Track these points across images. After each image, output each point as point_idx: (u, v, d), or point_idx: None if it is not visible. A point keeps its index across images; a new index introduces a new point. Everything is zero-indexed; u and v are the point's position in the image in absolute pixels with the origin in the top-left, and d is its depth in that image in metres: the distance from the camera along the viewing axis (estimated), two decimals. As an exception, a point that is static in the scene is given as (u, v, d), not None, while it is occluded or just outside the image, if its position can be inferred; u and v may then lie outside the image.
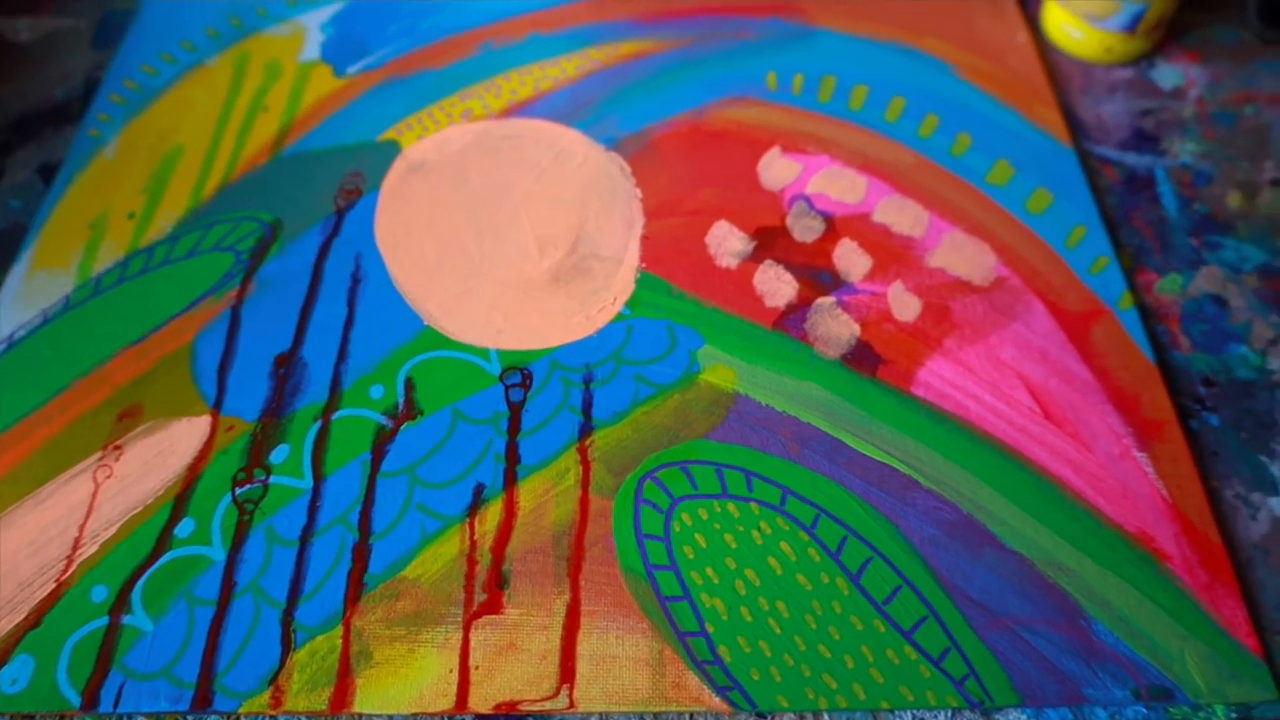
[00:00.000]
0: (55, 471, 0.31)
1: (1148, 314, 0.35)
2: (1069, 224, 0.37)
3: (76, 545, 0.29)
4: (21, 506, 0.30)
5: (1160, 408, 0.32)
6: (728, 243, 0.36)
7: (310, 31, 0.43)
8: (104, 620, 0.28)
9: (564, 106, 0.40)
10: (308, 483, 0.30)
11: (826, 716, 0.27)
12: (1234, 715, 0.27)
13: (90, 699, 0.27)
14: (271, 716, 0.27)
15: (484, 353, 0.33)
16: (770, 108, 0.41)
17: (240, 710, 0.26)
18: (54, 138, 0.40)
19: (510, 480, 0.30)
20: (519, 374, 0.32)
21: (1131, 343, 0.34)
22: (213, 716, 0.27)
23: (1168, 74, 0.43)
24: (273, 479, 0.30)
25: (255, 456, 0.31)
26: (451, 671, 0.27)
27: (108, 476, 0.30)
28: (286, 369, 0.33)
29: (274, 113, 0.40)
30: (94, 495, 0.30)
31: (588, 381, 0.32)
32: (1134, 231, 0.38)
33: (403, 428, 0.31)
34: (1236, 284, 0.36)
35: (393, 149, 0.39)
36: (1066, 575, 0.29)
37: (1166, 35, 0.44)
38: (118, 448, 0.31)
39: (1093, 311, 0.34)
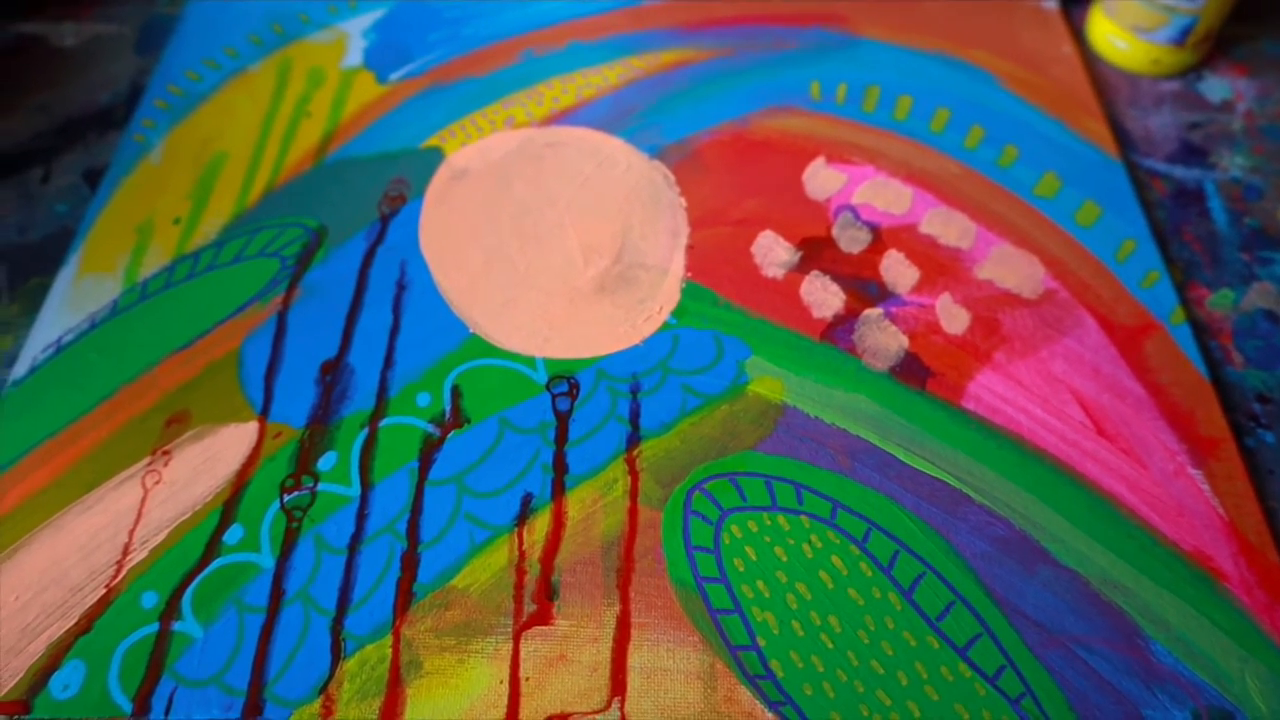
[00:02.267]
0: (104, 477, 0.31)
1: (1200, 329, 0.35)
2: (1118, 237, 0.36)
3: (126, 551, 0.29)
4: (70, 511, 0.30)
5: (1215, 424, 0.32)
6: (773, 253, 0.36)
7: (352, 38, 0.44)
8: (154, 626, 0.28)
9: (607, 115, 0.40)
10: (355, 490, 0.30)
11: (880, 734, 0.26)
12: (1295, 739, 0.27)
13: (141, 706, 0.27)
14: (321, 725, 0.26)
15: (530, 361, 0.33)
16: (814, 117, 0.40)
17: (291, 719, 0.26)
18: (99, 143, 0.41)
19: (558, 490, 0.30)
20: (566, 383, 0.32)
21: (1184, 358, 0.33)
22: (262, 724, 0.27)
23: (1216, 87, 0.43)
24: (321, 486, 0.30)
25: (303, 463, 0.31)
26: (502, 683, 0.27)
27: (156, 482, 0.30)
28: (333, 376, 0.33)
29: (317, 119, 0.40)
30: (143, 501, 0.30)
31: (635, 391, 0.32)
32: (1184, 246, 0.37)
33: (450, 436, 0.31)
34: (1289, 299, 0.36)
35: (436, 156, 0.39)
36: (1123, 594, 0.28)
37: (1214, 48, 0.44)
38: (166, 453, 0.31)
39: (1144, 326, 0.34)
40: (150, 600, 0.28)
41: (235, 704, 0.27)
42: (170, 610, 0.28)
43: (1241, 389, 0.33)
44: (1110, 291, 0.35)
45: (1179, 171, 0.40)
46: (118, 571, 0.29)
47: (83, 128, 0.41)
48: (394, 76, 0.42)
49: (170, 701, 0.27)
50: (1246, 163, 0.40)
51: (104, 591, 0.28)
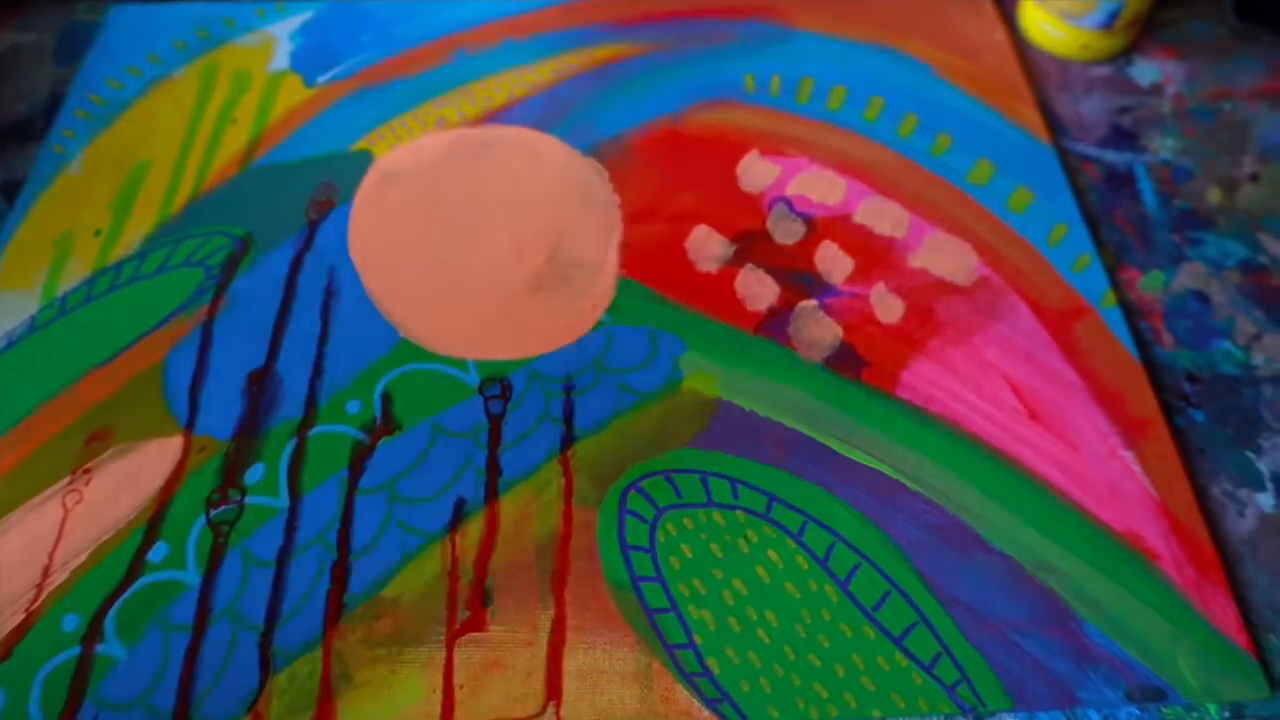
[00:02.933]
0: (22, 498, 0.30)
1: (1131, 311, 0.35)
2: (1050, 222, 0.37)
3: (46, 573, 0.28)
4: (-12, 533, 0.29)
5: (1145, 405, 0.32)
6: (708, 247, 0.36)
7: (279, 41, 0.43)
8: (76, 650, 0.27)
9: (540, 112, 0.40)
10: (284, 502, 0.30)
11: (818, 727, 0.26)
12: (1227, 714, 0.27)
13: (62, 731, 0.26)
14: (250, 744, 0.26)
15: (462, 364, 0.32)
16: (749, 110, 0.40)
17: (218, 738, 0.26)
18: (17, 155, 0.40)
19: (492, 494, 0.30)
20: (498, 385, 0.32)
21: (1115, 341, 0.33)
22: (190, 745, 0.26)
23: (1146, 70, 0.43)
24: (248, 499, 0.30)
25: (229, 477, 0.30)
26: (435, 691, 0.26)
27: (77, 502, 0.30)
28: (260, 386, 0.32)
29: (243, 124, 0.39)
30: (63, 521, 0.29)
31: (569, 391, 0.32)
32: (1115, 229, 0.38)
33: (380, 443, 0.31)
34: (1219, 280, 0.36)
35: (365, 159, 0.38)
36: (1056, 576, 0.28)
37: (1144, 31, 0.44)
38: (87, 472, 0.30)
39: (1076, 310, 0.34)
40: (71, 623, 0.27)
41: (161, 725, 0.26)
42: (92, 632, 0.27)
43: (1172, 369, 0.34)
44: (1042, 276, 0.35)
45: (1110, 155, 0.40)
46: (38, 595, 0.28)
47: (0, 140, 0.40)
48: (322, 79, 0.41)
49: (93, 726, 0.26)
50: (1176, 145, 0.41)
51: (23, 616, 0.28)
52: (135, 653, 0.27)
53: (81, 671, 0.27)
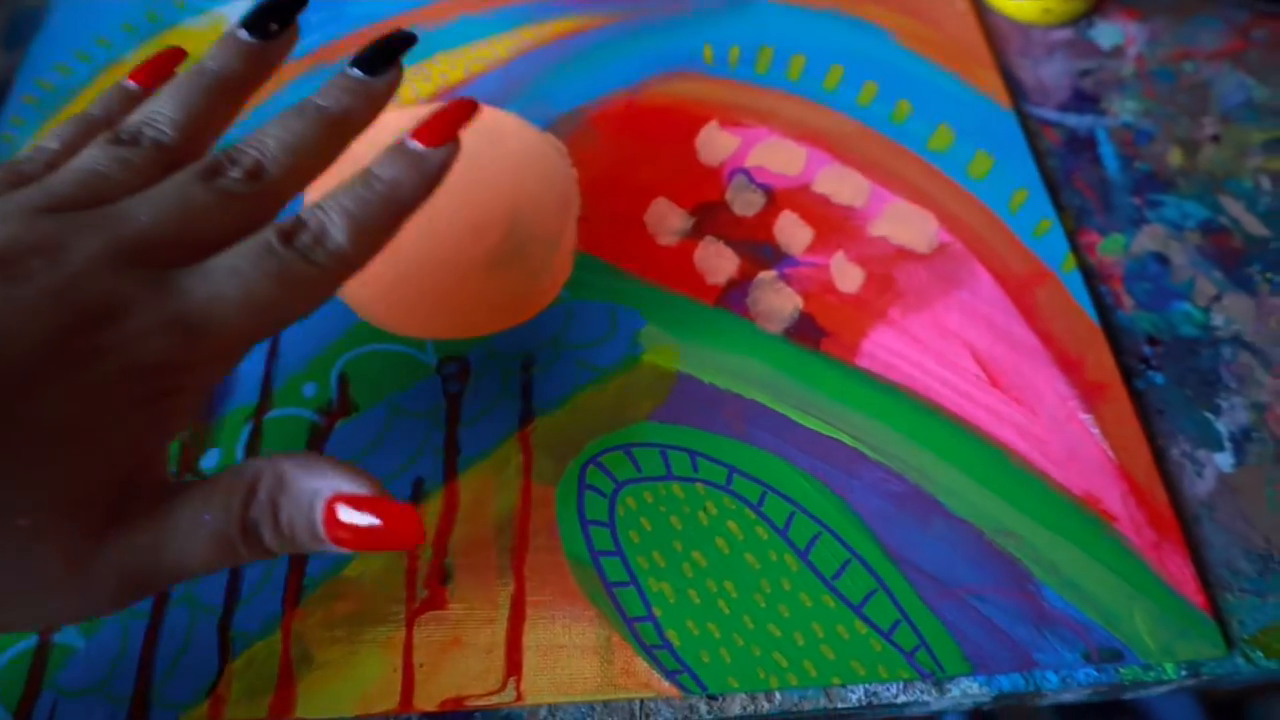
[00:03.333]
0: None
1: (1091, 275, 0.35)
2: (1010, 188, 0.37)
3: (0, 562, 0.28)
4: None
5: (1105, 369, 0.32)
6: (667, 220, 0.35)
7: (230, 21, 0.42)
8: (33, 640, 0.27)
9: (496, 88, 0.39)
10: (241, 486, 0.29)
11: (778, 695, 0.26)
12: (1184, 673, 0.27)
13: (21, 721, 0.26)
14: (211, 727, 0.26)
15: (420, 344, 0.32)
16: (707, 81, 0.40)
17: (178, 722, 0.26)
18: (-32, 141, 0.39)
19: (450, 472, 0.30)
20: (455, 364, 0.32)
21: (1076, 305, 0.33)
22: (149, 731, 0.26)
23: (1107, 33, 0.43)
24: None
25: (186, 463, 0.30)
26: (395, 670, 0.26)
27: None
28: (216, 370, 0.32)
29: (197, 106, 0.39)
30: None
31: (527, 367, 0.32)
32: (1076, 193, 0.37)
33: (337, 425, 0.30)
34: (1179, 241, 0.36)
35: (321, 139, 0.38)
36: (1015, 541, 0.28)
37: (1104, -7, 0.44)
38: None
39: (1036, 275, 0.34)
40: (27, 612, 0.27)
41: (121, 711, 0.26)
42: (49, 621, 0.27)
43: (1132, 332, 0.34)
44: (1003, 242, 0.35)
45: (1071, 119, 0.40)
46: (-8, 585, 0.28)
47: (-50, 127, 0.39)
48: (276, 59, 0.41)
49: (52, 714, 0.26)
50: (1138, 107, 0.40)
51: (-22, 606, 0.27)
52: (93, 640, 0.27)
53: (39, 661, 0.27)
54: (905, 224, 0.35)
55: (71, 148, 0.25)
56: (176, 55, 0.27)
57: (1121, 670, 0.27)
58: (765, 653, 0.27)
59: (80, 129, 0.25)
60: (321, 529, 0.21)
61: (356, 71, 0.26)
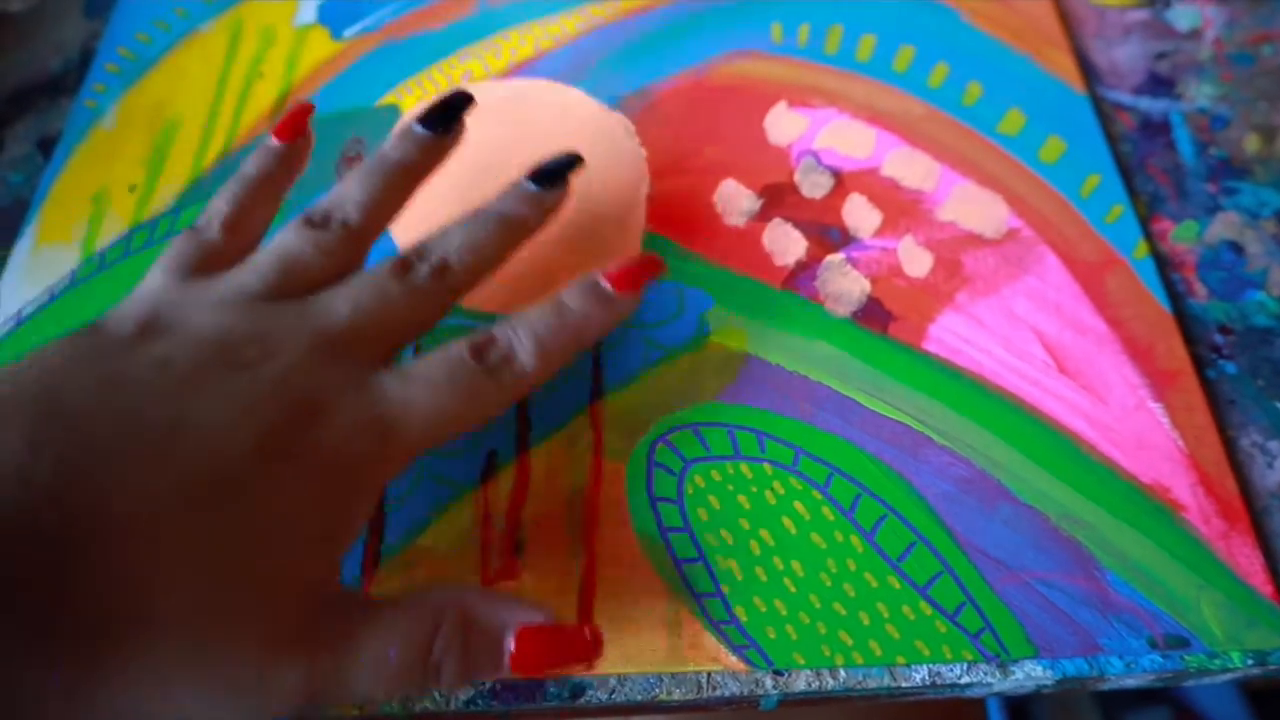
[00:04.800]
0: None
1: (1163, 263, 0.35)
2: (1083, 173, 0.36)
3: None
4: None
5: (1176, 357, 0.32)
6: (735, 201, 0.36)
7: (305, -5, 0.43)
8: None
9: (566, 65, 0.40)
10: (321, 453, 0.30)
11: (843, 673, 0.27)
12: (1250, 661, 0.27)
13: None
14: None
15: (492, 319, 0.33)
16: (776, 60, 0.40)
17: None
18: (51, 110, 0.40)
19: (522, 446, 0.30)
20: (528, 339, 0.32)
21: (1147, 292, 0.33)
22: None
23: (1184, 15, 0.42)
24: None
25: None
26: (470, 637, 0.27)
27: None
28: (295, 340, 0.32)
29: (271, 79, 0.40)
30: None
31: (596, 346, 0.32)
32: (1149, 179, 0.37)
33: (413, 396, 0.31)
34: (1254, 229, 0.36)
35: (393, 113, 0.38)
36: (1082, 528, 0.29)
37: (1182, -27, 0.43)
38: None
39: (1107, 261, 0.34)
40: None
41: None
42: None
43: (1204, 321, 0.33)
44: (1074, 228, 0.35)
45: (1145, 103, 0.39)
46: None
47: (35, 95, 0.41)
48: (348, 33, 0.41)
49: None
50: (1214, 91, 0.40)
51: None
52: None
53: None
54: (974, 208, 0.35)
55: (246, 210, 0.28)
56: (307, 109, 0.30)
57: (1186, 657, 0.27)
58: (831, 630, 0.27)
59: (245, 190, 0.28)
60: (508, 660, 0.22)
61: (531, 185, 0.29)
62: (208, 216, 0.27)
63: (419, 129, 0.29)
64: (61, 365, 0.21)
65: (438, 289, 0.26)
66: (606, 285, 0.26)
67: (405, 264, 0.26)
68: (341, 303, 0.24)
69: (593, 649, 0.23)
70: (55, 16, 0.43)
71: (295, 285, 0.25)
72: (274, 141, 0.29)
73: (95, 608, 0.19)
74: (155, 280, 0.25)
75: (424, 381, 0.24)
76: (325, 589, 0.22)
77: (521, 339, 0.25)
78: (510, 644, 0.22)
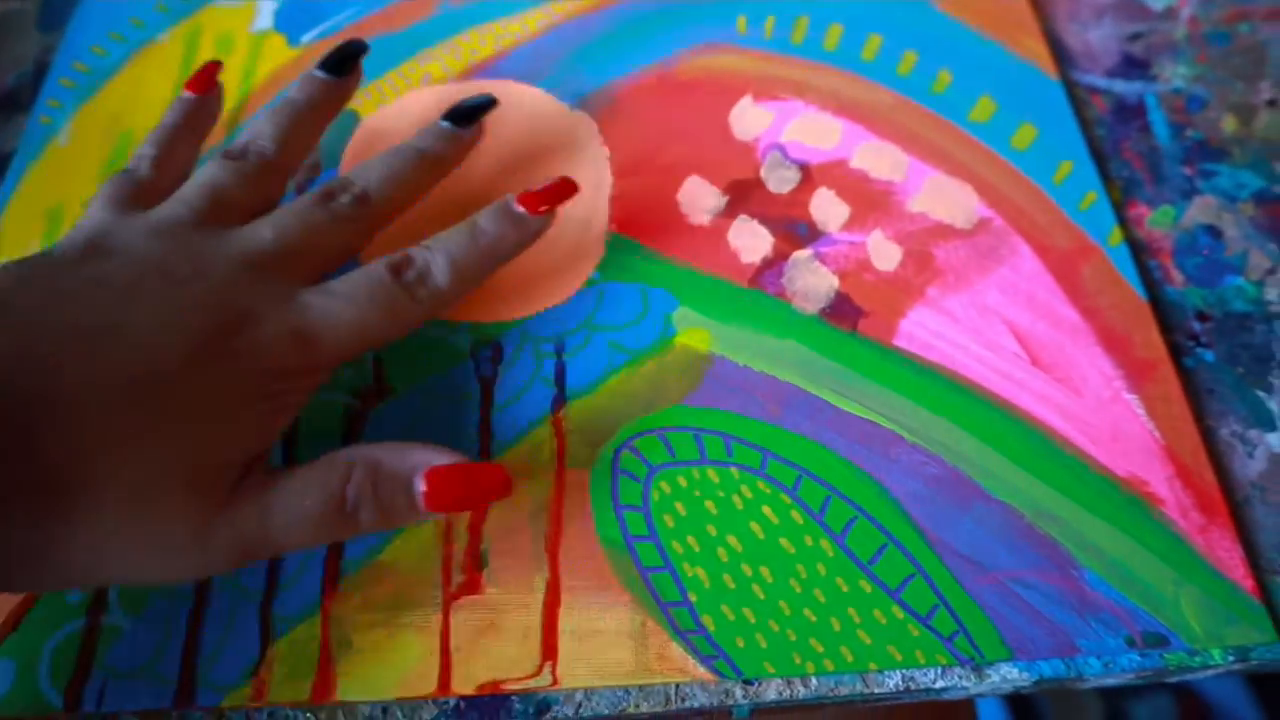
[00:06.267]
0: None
1: (1139, 249, 0.34)
2: (1056, 159, 0.35)
3: (49, 546, 0.29)
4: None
5: (1152, 346, 0.31)
6: (700, 199, 0.35)
7: (262, 0, 0.42)
8: (81, 621, 0.28)
9: (526, 64, 0.39)
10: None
11: (814, 681, 0.26)
12: (1231, 658, 0.26)
13: (73, 700, 0.26)
14: (255, 709, 0.26)
15: (453, 327, 0.32)
16: (741, 53, 0.39)
17: (223, 704, 0.26)
18: (7, 126, 0.39)
19: (485, 457, 0.30)
20: (489, 348, 0.32)
21: (1122, 280, 0.32)
22: (196, 711, 0.26)
23: (1157, -7, 0.42)
24: (244, 468, 0.30)
25: (225, 446, 0.30)
26: (432, 654, 0.27)
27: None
28: (253, 354, 0.32)
29: (228, 88, 0.38)
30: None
31: (559, 351, 0.31)
32: (1124, 163, 0.36)
33: (373, 408, 0.31)
34: (1232, 213, 0.35)
35: (351, 119, 0.38)
36: (1057, 525, 0.28)
37: (1155, -48, 0.42)
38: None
39: (1081, 249, 0.33)
40: (76, 595, 0.28)
41: (167, 692, 0.26)
42: (97, 604, 0.28)
43: (1181, 308, 0.33)
44: (1047, 216, 0.34)
45: (1119, 86, 0.39)
46: (42, 568, 0.28)
47: (-10, 112, 0.40)
48: (306, 39, 0.41)
49: (101, 693, 0.26)
50: (1189, 72, 0.39)
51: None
52: (139, 622, 0.27)
53: (88, 641, 0.27)
54: (945, 199, 0.34)
55: (169, 150, 0.30)
56: (215, 66, 0.33)
57: (1166, 656, 0.26)
58: (801, 638, 0.26)
59: (167, 134, 0.31)
60: (421, 500, 0.25)
61: (448, 124, 0.32)
62: (137, 159, 0.30)
63: (318, 72, 0.32)
64: (11, 283, 0.24)
65: (359, 215, 0.29)
66: (518, 207, 0.29)
67: (329, 193, 0.29)
68: (267, 229, 0.27)
69: (502, 482, 0.26)
70: (9, 30, 0.43)
71: (223, 214, 0.28)
72: (187, 94, 0.32)
73: (47, 475, 0.22)
74: (95, 213, 0.27)
75: (345, 298, 0.26)
76: (249, 468, 0.25)
77: (437, 259, 0.28)
78: (420, 484, 0.25)
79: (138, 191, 0.28)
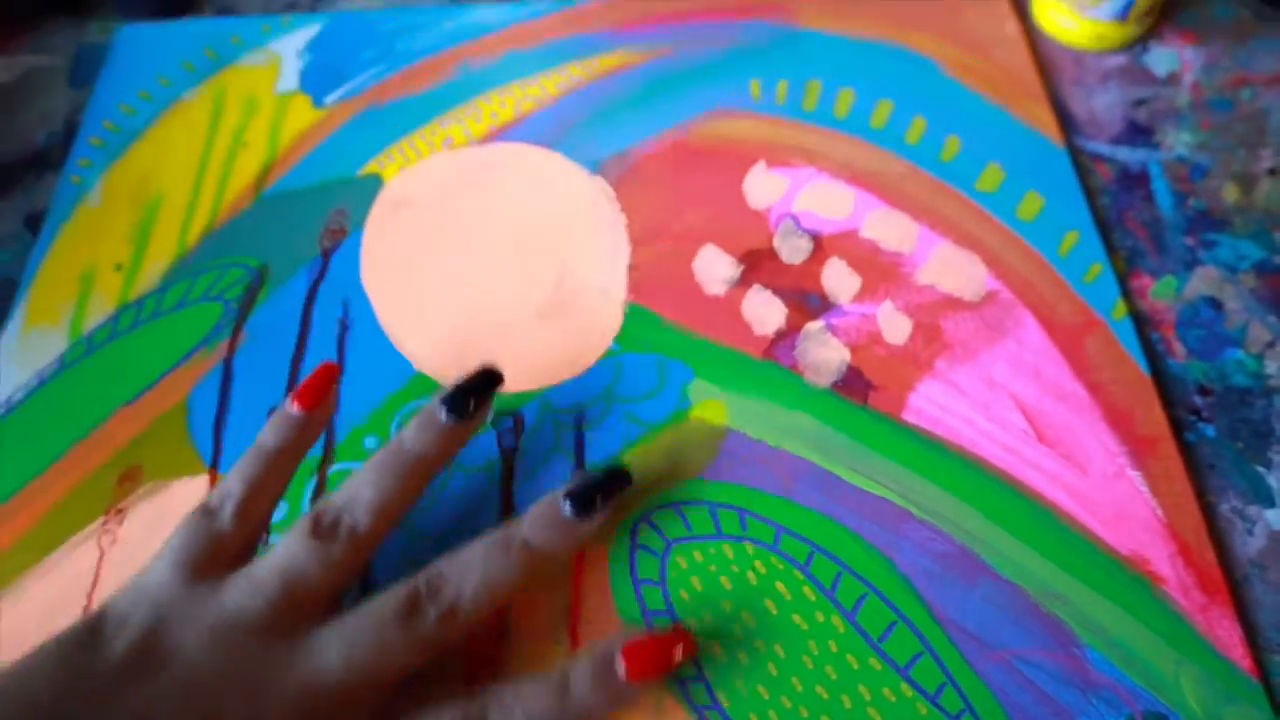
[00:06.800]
0: (60, 540, 0.31)
1: (1142, 322, 0.35)
2: (1061, 230, 0.36)
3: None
4: (28, 577, 0.30)
5: (1154, 423, 0.32)
6: (716, 268, 0.36)
7: (286, 59, 0.43)
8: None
9: (546, 129, 0.40)
10: (307, 540, 0.31)
11: (826, 756, 0.27)
12: (1229, 737, 0.27)
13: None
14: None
15: (475, 396, 0.33)
16: (755, 119, 0.40)
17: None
18: (38, 185, 0.40)
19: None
20: (510, 419, 0.33)
21: (1125, 355, 0.33)
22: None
23: (1162, 58, 0.42)
24: (271, 538, 0.31)
25: (255, 516, 0.31)
26: (457, 727, 0.27)
27: (112, 542, 0.31)
28: (281, 423, 0.33)
29: (254, 149, 0.40)
30: (99, 562, 0.31)
31: (579, 423, 0.32)
32: (1127, 233, 0.37)
33: (398, 480, 0.31)
34: (1233, 284, 0.36)
35: (375, 183, 0.39)
36: (1062, 604, 0.29)
37: (1161, 15, 0.43)
38: (119, 511, 0.31)
39: (1086, 323, 0.34)
40: (112, 664, 0.29)
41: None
42: (132, 673, 0.29)
43: (1183, 382, 0.34)
44: (1052, 289, 0.35)
45: (1123, 153, 0.39)
46: (79, 636, 0.29)
47: (21, 171, 0.41)
48: (330, 99, 0.41)
49: None
50: (1192, 139, 0.40)
51: (67, 657, 0.29)
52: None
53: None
54: (953, 270, 0.35)
55: (259, 489, 0.27)
56: (331, 371, 0.29)
57: (1166, 735, 0.27)
58: (813, 715, 0.27)
59: (261, 465, 0.27)
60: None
61: (567, 507, 0.27)
62: (220, 498, 0.26)
63: (442, 415, 0.27)
64: (49, 694, 0.22)
65: (442, 636, 0.25)
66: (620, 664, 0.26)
67: (413, 603, 0.25)
68: (335, 653, 0.24)
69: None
70: (40, 87, 0.44)
71: (298, 607, 0.25)
72: (294, 409, 0.28)
73: None
74: (161, 575, 0.25)
75: None
76: None
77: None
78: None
79: (214, 551, 0.25)
